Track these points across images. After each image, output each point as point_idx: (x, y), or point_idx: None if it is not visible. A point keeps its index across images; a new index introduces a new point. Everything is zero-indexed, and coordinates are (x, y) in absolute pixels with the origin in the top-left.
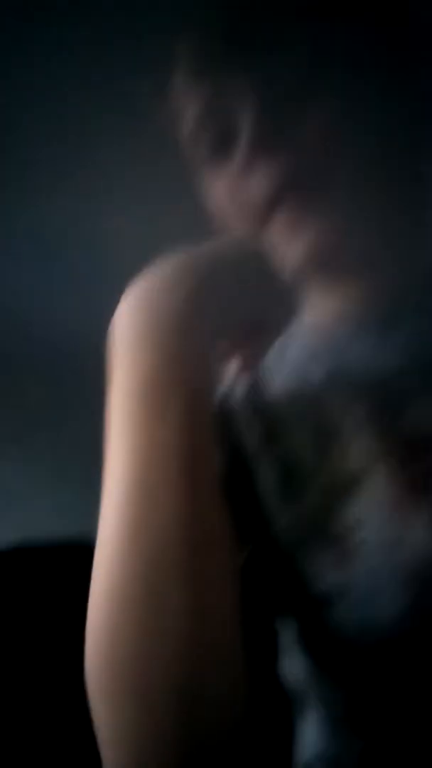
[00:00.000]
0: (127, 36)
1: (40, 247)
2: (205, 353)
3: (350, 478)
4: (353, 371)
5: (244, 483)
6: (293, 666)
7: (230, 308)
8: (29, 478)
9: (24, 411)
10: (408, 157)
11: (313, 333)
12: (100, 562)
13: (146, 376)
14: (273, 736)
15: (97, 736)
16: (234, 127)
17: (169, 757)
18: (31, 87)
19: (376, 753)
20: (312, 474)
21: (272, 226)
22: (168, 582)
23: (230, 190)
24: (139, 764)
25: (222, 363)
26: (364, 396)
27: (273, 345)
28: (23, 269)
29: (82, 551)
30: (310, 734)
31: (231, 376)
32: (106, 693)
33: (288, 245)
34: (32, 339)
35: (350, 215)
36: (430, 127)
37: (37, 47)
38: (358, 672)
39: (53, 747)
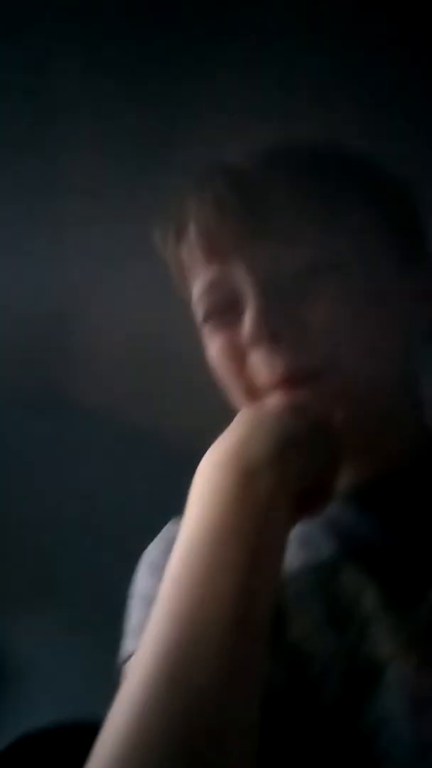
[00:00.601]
0: None
1: None
2: (274, 507)
3: (371, 666)
4: (364, 549)
5: None
6: None
7: (300, 472)
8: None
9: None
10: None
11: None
12: (124, 705)
13: (214, 523)
14: None
15: None
16: (239, 302)
17: None
18: None
19: None
20: (330, 659)
21: (269, 400)
22: (201, 730)
23: (232, 356)
24: None
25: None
26: (376, 576)
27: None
28: None
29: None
30: None
31: None
32: None
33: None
34: None
35: (346, 399)
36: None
37: None
38: None
39: None
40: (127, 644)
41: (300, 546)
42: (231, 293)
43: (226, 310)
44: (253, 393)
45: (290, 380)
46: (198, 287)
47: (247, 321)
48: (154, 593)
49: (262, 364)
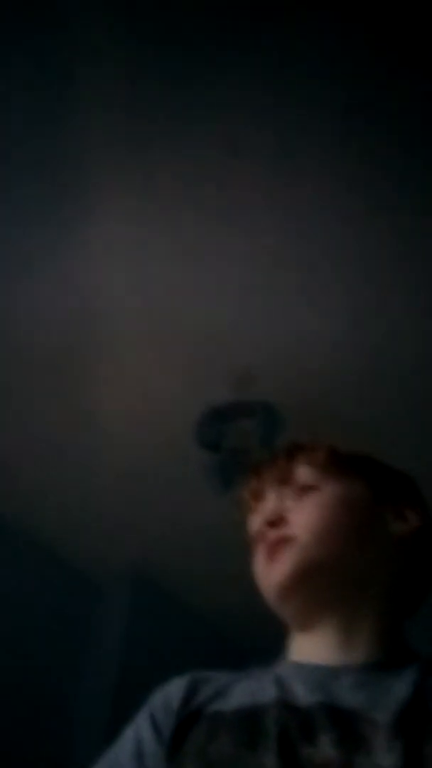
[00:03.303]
0: None
1: None
2: None
3: None
4: (291, 701)
5: None
6: None
7: None
8: None
9: None
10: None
11: (282, 666)
12: None
13: None
14: None
15: None
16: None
17: None
18: None
19: None
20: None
21: (257, 560)
22: None
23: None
24: None
25: None
26: (289, 721)
27: (255, 671)
28: None
29: None
30: None
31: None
32: None
33: (262, 576)
34: None
35: (313, 561)
36: None
37: None
38: None
39: None
40: (101, 764)
41: (252, 688)
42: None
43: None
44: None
45: (276, 544)
46: (255, 524)
47: (258, 521)
48: (145, 748)
49: (254, 528)
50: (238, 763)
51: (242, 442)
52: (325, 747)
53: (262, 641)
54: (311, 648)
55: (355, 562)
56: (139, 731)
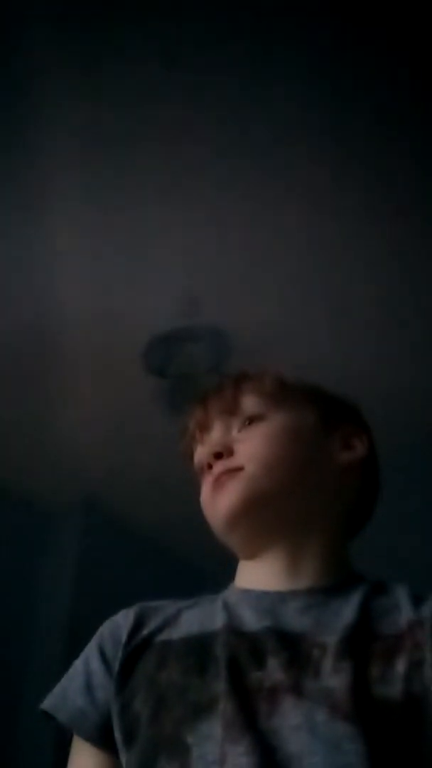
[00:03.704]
0: None
1: None
2: None
3: (204, 705)
4: (239, 627)
5: (127, 703)
6: None
7: None
8: None
9: None
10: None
11: (230, 593)
12: None
13: None
14: None
15: None
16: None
17: None
18: None
19: None
20: (181, 695)
21: (203, 490)
22: None
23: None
24: None
25: None
26: (237, 646)
27: (203, 598)
28: None
29: None
30: None
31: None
32: None
33: (207, 506)
34: None
35: (260, 491)
36: None
37: None
38: None
39: None
40: (50, 699)
41: (202, 616)
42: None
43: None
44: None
45: (223, 476)
46: (198, 452)
47: (202, 454)
48: (94, 680)
49: (197, 457)
50: (188, 690)
51: (190, 367)
52: (274, 671)
53: (213, 563)
54: (258, 575)
55: (302, 492)
56: (89, 664)
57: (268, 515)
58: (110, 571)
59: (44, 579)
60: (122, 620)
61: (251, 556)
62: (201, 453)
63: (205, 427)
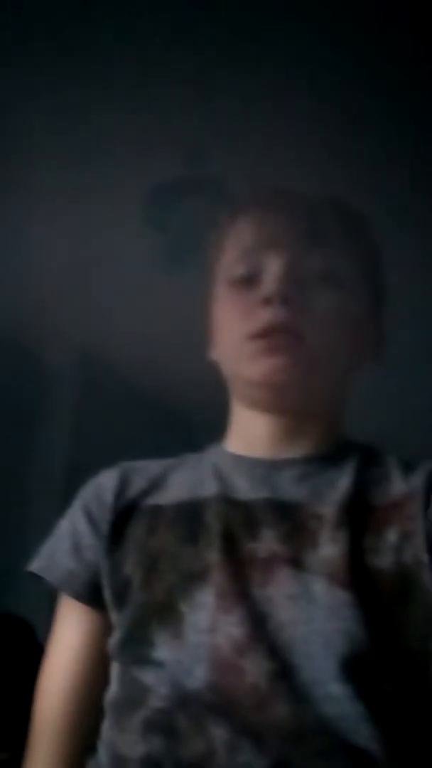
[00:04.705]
0: None
1: None
2: None
3: (197, 574)
4: (232, 496)
5: (118, 567)
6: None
7: None
8: None
9: None
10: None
11: (221, 457)
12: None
13: None
14: None
15: None
16: (262, 272)
17: None
18: None
19: None
20: (173, 563)
21: (255, 346)
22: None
23: (241, 311)
24: None
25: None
26: (231, 516)
27: (188, 458)
28: None
29: None
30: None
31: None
32: None
33: (257, 362)
34: None
35: (313, 369)
36: None
37: None
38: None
39: None
40: (38, 561)
41: (193, 481)
42: (259, 267)
43: (249, 278)
44: (247, 339)
45: (283, 331)
46: (236, 254)
47: (269, 283)
48: (82, 542)
49: (267, 315)
50: (180, 559)
51: (191, 221)
52: (269, 542)
53: (206, 417)
54: (253, 439)
55: (335, 377)
56: (75, 525)
57: (304, 392)
58: (106, 423)
59: (41, 431)
60: (106, 481)
61: (257, 410)
62: (272, 287)
63: (273, 247)
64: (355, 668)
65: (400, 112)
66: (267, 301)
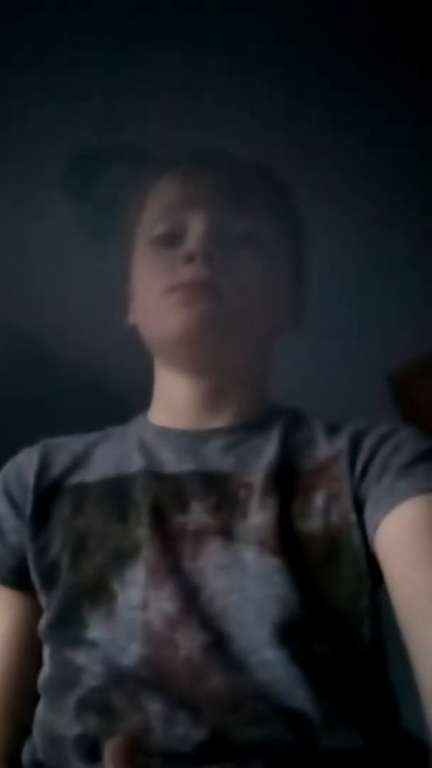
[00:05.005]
0: None
1: None
2: None
3: (127, 551)
4: (159, 470)
5: (44, 548)
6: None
7: None
8: None
9: None
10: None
11: (146, 430)
12: None
13: None
14: None
15: None
16: (185, 229)
17: None
18: None
19: None
20: (101, 542)
21: (173, 298)
22: None
23: (161, 268)
24: None
25: None
26: (159, 491)
27: (112, 432)
28: None
29: None
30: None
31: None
32: None
33: (174, 314)
34: None
35: (231, 326)
36: None
37: None
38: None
39: None
40: None
41: (118, 456)
42: (181, 225)
43: (171, 236)
44: (165, 293)
45: (203, 287)
46: (158, 212)
47: (192, 240)
48: (4, 525)
49: (188, 271)
50: (109, 537)
51: (112, 189)
52: (199, 514)
53: (135, 391)
54: (176, 409)
55: (255, 343)
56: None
57: (223, 347)
58: (34, 396)
59: None
60: (26, 461)
61: (178, 370)
62: (196, 244)
63: (196, 205)
64: (288, 632)
65: (322, 73)
66: (189, 258)
